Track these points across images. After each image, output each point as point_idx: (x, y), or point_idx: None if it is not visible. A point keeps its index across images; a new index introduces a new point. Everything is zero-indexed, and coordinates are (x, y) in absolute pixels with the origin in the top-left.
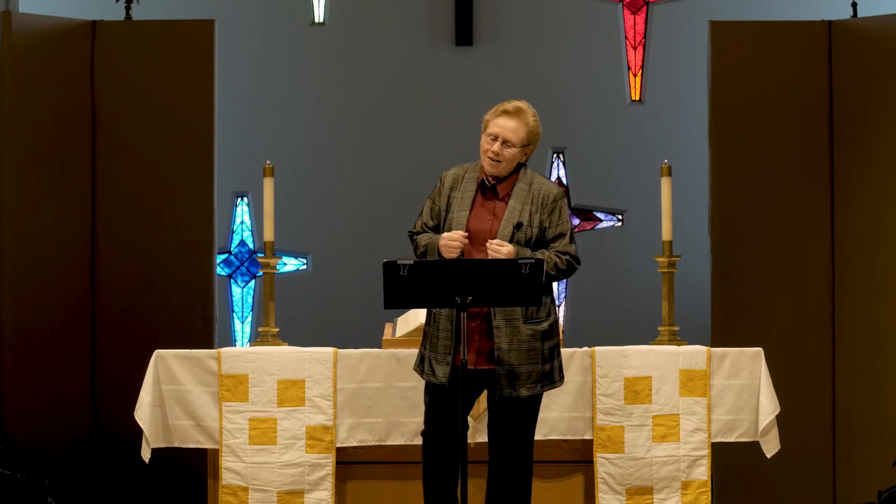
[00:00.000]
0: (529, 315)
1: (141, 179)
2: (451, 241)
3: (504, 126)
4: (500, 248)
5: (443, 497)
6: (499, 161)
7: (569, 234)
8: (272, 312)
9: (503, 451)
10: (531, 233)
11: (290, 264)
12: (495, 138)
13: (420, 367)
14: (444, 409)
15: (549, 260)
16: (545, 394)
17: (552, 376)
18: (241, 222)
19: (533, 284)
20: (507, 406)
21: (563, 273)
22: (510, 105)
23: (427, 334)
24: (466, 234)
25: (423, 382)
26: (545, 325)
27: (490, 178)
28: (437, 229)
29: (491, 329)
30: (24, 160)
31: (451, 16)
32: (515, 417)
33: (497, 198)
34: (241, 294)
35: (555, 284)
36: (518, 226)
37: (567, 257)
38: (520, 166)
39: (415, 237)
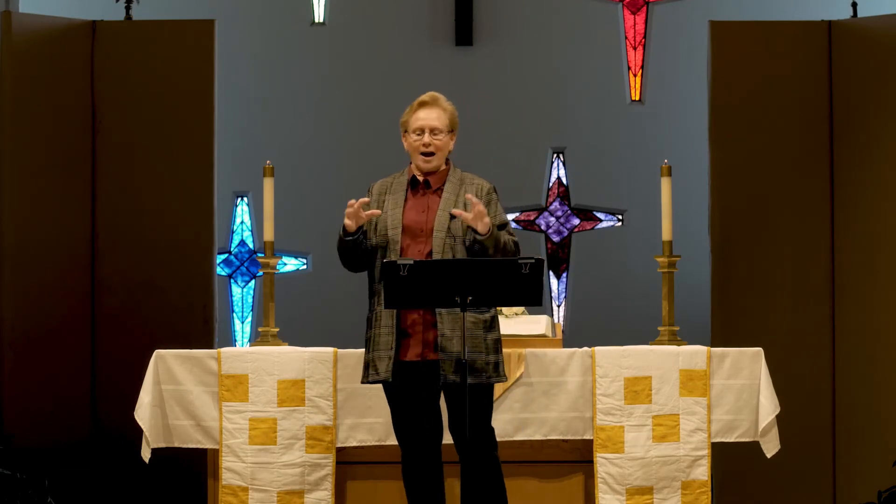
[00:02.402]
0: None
1: (141, 179)
2: (347, 209)
3: (427, 117)
4: (478, 202)
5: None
6: (432, 153)
7: (508, 224)
8: (272, 312)
9: (466, 441)
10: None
11: (290, 264)
12: (422, 132)
13: (365, 373)
14: (407, 407)
15: (501, 237)
16: (544, 393)
17: (498, 369)
18: (241, 222)
19: (533, 284)
20: (454, 394)
21: (511, 255)
22: (425, 97)
23: (369, 339)
24: (365, 200)
25: (361, 382)
26: (487, 315)
27: (420, 175)
28: (366, 235)
29: (430, 320)
30: (24, 160)
31: (451, 16)
32: (472, 404)
33: (430, 191)
34: (241, 294)
35: (554, 285)
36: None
37: (514, 241)
38: (447, 161)
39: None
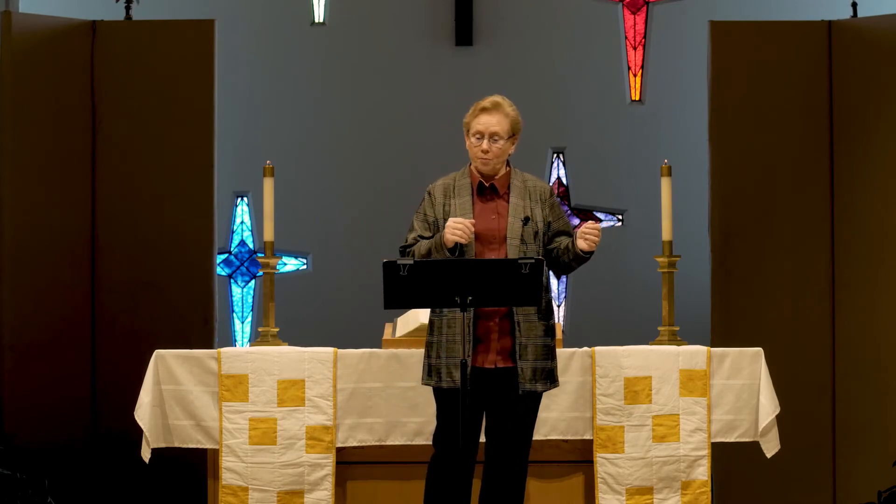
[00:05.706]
0: (541, 312)
1: (141, 179)
2: (457, 224)
3: (487, 123)
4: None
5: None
6: (490, 158)
7: (569, 225)
8: (272, 312)
9: (506, 448)
10: (536, 227)
11: (290, 264)
12: (481, 136)
13: (436, 376)
14: (462, 414)
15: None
16: (544, 393)
17: (554, 375)
18: (241, 222)
19: (533, 284)
20: (522, 402)
21: (584, 261)
22: (487, 102)
23: (435, 343)
24: (473, 222)
25: (422, 382)
26: (552, 321)
27: (486, 180)
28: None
29: (506, 327)
30: (24, 160)
31: (451, 16)
32: (525, 413)
33: (497, 196)
34: (241, 294)
35: (553, 285)
36: (525, 221)
37: None
38: (508, 163)
39: (409, 249)
